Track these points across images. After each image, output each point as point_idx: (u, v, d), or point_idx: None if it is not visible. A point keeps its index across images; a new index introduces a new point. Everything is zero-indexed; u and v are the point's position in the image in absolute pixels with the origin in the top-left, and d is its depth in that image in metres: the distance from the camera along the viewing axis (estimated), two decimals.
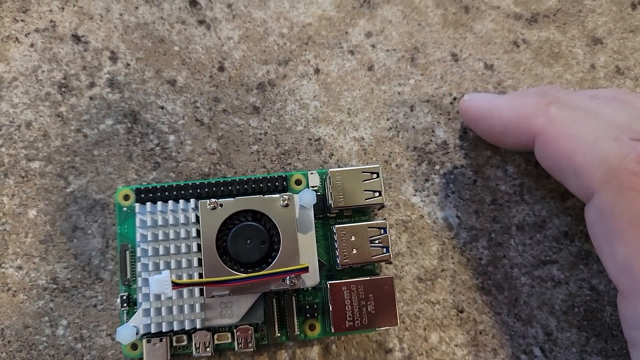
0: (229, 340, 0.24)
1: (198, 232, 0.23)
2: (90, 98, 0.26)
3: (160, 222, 0.23)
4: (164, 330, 0.23)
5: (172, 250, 0.23)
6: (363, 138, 0.27)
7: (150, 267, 0.23)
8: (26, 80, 0.26)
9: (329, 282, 0.23)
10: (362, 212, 0.25)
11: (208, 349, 0.23)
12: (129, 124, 0.26)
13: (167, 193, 0.24)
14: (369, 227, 0.24)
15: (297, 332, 0.24)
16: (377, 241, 0.23)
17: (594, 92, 0.24)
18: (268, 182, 0.24)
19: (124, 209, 0.24)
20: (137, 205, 0.23)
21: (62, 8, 0.27)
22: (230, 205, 0.23)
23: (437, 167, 0.27)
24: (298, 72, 0.27)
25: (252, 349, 0.23)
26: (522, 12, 0.28)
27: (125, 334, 0.22)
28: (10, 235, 0.25)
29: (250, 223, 0.23)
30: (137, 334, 0.22)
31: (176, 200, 0.24)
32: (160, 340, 0.23)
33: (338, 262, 0.23)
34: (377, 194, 0.23)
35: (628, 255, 0.18)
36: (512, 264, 0.26)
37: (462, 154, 0.27)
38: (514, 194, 0.26)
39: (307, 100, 0.27)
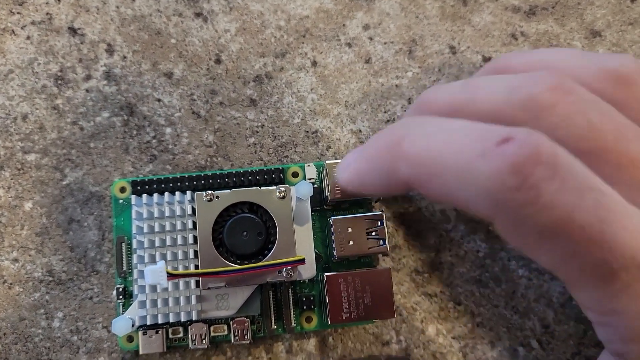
0: (225, 333, 0.24)
1: (194, 224, 0.23)
2: (87, 91, 0.26)
3: (156, 214, 0.23)
4: (159, 322, 0.22)
5: (168, 242, 0.23)
6: (360, 130, 0.27)
7: (146, 259, 0.23)
8: (22, 72, 0.26)
9: (326, 274, 0.23)
10: (359, 204, 0.25)
11: (204, 341, 0.23)
12: (126, 117, 0.26)
13: (163, 185, 0.24)
14: (365, 219, 0.23)
15: (293, 325, 0.24)
16: (373, 233, 0.23)
17: (470, 79, 0.21)
18: (265, 174, 0.24)
19: (120, 201, 0.24)
20: (133, 197, 0.23)
21: (59, 0, 0.27)
22: (227, 197, 0.23)
23: None
24: (295, 64, 0.27)
25: (248, 341, 0.23)
26: (521, 4, 0.28)
27: (121, 325, 0.22)
28: (6, 227, 0.25)
29: (246, 215, 0.23)
30: (132, 326, 0.22)
31: (172, 192, 0.23)
32: (156, 332, 0.23)
33: (334, 254, 0.23)
34: None
35: (551, 261, 0.17)
36: (510, 256, 0.26)
37: None
38: None
39: (304, 93, 0.27)
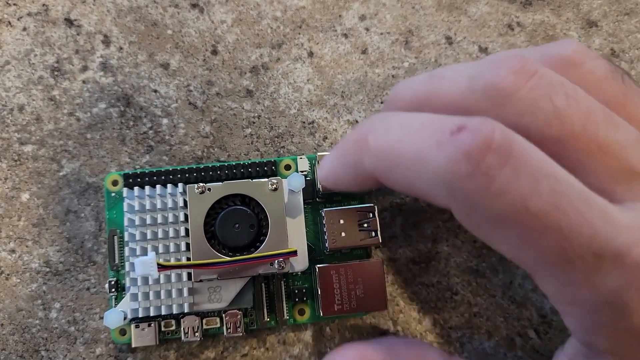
0: (218, 325, 0.24)
1: (186, 216, 0.23)
2: (83, 82, 0.26)
3: (148, 207, 0.23)
4: (151, 314, 0.22)
5: (160, 235, 0.23)
6: (357, 121, 0.27)
7: (138, 252, 0.23)
8: (19, 64, 0.26)
9: (317, 266, 0.23)
10: (351, 197, 0.25)
11: (197, 334, 0.23)
12: (122, 108, 0.26)
13: (155, 178, 0.24)
14: (357, 211, 0.24)
15: (286, 317, 0.24)
16: (365, 225, 0.23)
17: (435, 70, 0.21)
18: (257, 166, 0.24)
19: (113, 194, 0.24)
20: (125, 190, 0.23)
21: None
22: (219, 189, 0.23)
23: None
24: (292, 55, 0.27)
25: (241, 334, 0.23)
26: None
27: (113, 318, 0.22)
28: (3, 218, 0.25)
29: (238, 207, 0.23)
30: (124, 318, 0.22)
31: (164, 185, 0.23)
32: (149, 325, 0.23)
33: (326, 246, 0.23)
34: None
35: (510, 250, 0.17)
36: None
37: None
38: None
39: (301, 84, 0.27)
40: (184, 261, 0.23)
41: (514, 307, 0.25)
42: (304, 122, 0.26)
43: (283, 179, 0.23)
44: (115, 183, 0.24)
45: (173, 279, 0.23)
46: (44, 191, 0.25)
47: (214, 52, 0.27)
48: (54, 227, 0.25)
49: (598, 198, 0.16)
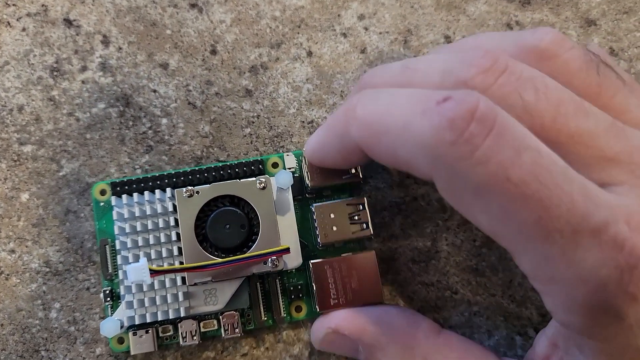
0: (215, 327, 0.24)
1: (176, 221, 0.23)
2: (82, 82, 0.26)
3: (137, 214, 0.23)
4: (148, 320, 0.22)
5: (151, 241, 0.23)
6: None
7: (131, 259, 0.22)
8: (18, 64, 0.26)
9: (311, 261, 0.23)
10: (341, 191, 0.25)
11: (195, 337, 0.23)
12: (121, 108, 0.26)
13: (142, 184, 0.24)
14: (347, 204, 0.24)
15: (283, 315, 0.24)
16: (356, 217, 0.23)
17: (409, 61, 0.21)
18: (244, 166, 0.24)
19: (101, 204, 0.24)
20: (113, 198, 0.23)
21: None
22: (207, 191, 0.23)
23: None
24: (290, 55, 0.27)
25: (239, 334, 0.23)
26: None
27: (109, 327, 0.22)
28: (3, 218, 0.25)
29: (228, 208, 0.23)
30: (121, 327, 0.22)
31: (152, 191, 0.23)
32: (147, 332, 0.23)
33: (319, 241, 0.23)
34: (353, 170, 0.23)
35: (490, 222, 0.17)
36: None
37: None
38: None
39: (300, 83, 0.27)
40: (176, 265, 0.23)
41: (514, 306, 0.25)
42: (303, 122, 0.26)
43: (271, 177, 0.23)
44: (103, 192, 0.24)
45: (168, 284, 0.23)
46: (43, 191, 0.25)
47: (213, 52, 0.27)
48: (53, 227, 0.25)
49: (580, 176, 0.16)
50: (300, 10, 0.27)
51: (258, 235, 0.23)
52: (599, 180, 0.17)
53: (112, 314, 0.23)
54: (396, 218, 0.26)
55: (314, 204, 0.24)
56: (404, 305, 0.25)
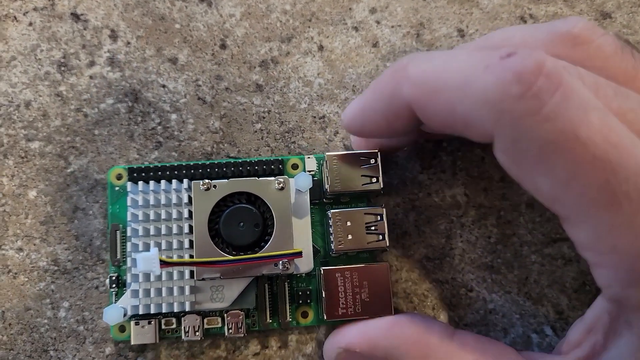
0: (219, 325, 0.23)
1: (190, 213, 0.23)
2: (90, 77, 0.26)
3: (152, 202, 0.23)
4: (152, 312, 0.22)
5: (163, 231, 0.22)
6: None
7: (141, 248, 0.22)
8: (25, 59, 0.26)
9: (323, 268, 0.23)
10: (359, 198, 0.25)
11: (197, 333, 0.23)
12: (130, 103, 0.26)
13: (160, 173, 0.23)
14: (365, 213, 0.23)
15: (289, 319, 0.23)
16: (373, 227, 0.23)
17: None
18: (264, 165, 0.24)
19: (116, 188, 0.24)
20: (129, 184, 0.23)
21: None
22: (224, 186, 0.23)
23: (444, 144, 0.26)
24: (301, 49, 0.27)
25: (242, 335, 0.23)
26: None
27: (112, 314, 0.21)
28: (11, 216, 0.24)
29: (243, 205, 0.23)
30: (124, 315, 0.22)
31: (169, 181, 0.23)
32: (149, 323, 0.23)
33: (332, 248, 0.23)
34: (374, 179, 0.23)
35: (552, 186, 0.16)
36: (522, 241, 0.25)
37: None
38: None
39: (311, 78, 0.26)
40: (187, 258, 0.22)
41: (529, 304, 0.25)
42: (314, 117, 0.26)
43: (290, 178, 0.23)
44: (119, 177, 0.24)
45: (175, 276, 0.22)
46: (51, 188, 0.25)
47: (223, 46, 0.26)
48: (61, 224, 0.24)
49: None
50: (311, 4, 0.27)
51: (271, 235, 0.22)
52: None
53: (116, 301, 0.23)
54: (410, 215, 0.25)
55: (331, 210, 0.23)
56: (418, 303, 0.25)
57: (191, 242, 0.22)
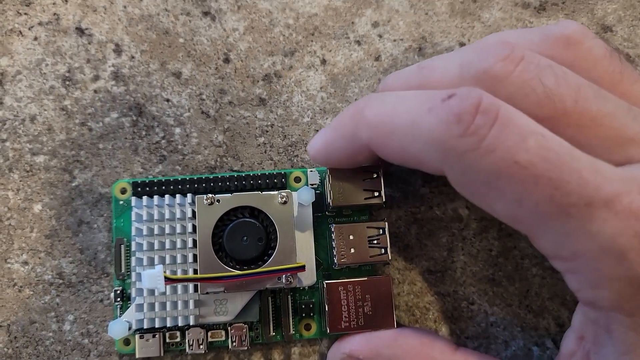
0: (223, 338, 0.23)
1: (194, 227, 0.23)
2: (95, 91, 0.26)
3: (156, 217, 0.23)
4: (156, 326, 0.22)
5: (167, 245, 0.23)
6: None
7: (145, 262, 0.22)
8: (30, 73, 0.26)
9: (325, 281, 0.23)
10: (361, 212, 0.25)
11: (201, 346, 0.23)
12: (134, 117, 0.26)
13: (164, 187, 0.24)
14: (367, 227, 0.23)
15: (292, 332, 0.24)
16: (375, 241, 0.23)
17: (424, 62, 0.22)
18: (267, 178, 0.24)
19: (121, 202, 0.24)
20: (133, 198, 0.23)
21: (66, 1, 0.27)
22: (228, 201, 0.23)
23: None
24: (304, 63, 0.27)
25: (246, 347, 0.23)
26: (531, 0, 0.28)
27: (117, 328, 0.22)
28: (16, 230, 0.25)
29: (247, 219, 0.23)
30: (129, 329, 0.22)
31: (173, 195, 0.23)
32: (153, 336, 0.23)
33: (335, 261, 0.23)
34: (376, 193, 0.23)
35: (506, 208, 0.18)
36: (523, 255, 0.25)
37: None
38: None
39: (314, 92, 0.27)
40: (191, 274, 0.22)
41: (531, 317, 0.25)
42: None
43: (293, 192, 0.23)
44: (123, 191, 0.24)
45: (179, 290, 0.22)
46: (56, 202, 0.25)
47: (226, 60, 0.27)
48: (66, 238, 0.25)
49: (587, 155, 0.17)
50: (314, 18, 0.27)
51: (275, 249, 0.23)
52: (620, 160, 0.18)
53: (120, 314, 0.23)
54: (411, 227, 0.26)
55: (334, 224, 0.23)
56: (419, 316, 0.25)
57: (195, 256, 0.23)
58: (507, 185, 0.17)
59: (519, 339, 0.25)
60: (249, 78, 0.27)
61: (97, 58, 0.26)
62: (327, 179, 0.23)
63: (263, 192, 0.23)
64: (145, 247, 0.23)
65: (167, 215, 0.23)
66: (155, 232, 0.23)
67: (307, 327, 0.24)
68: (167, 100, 0.26)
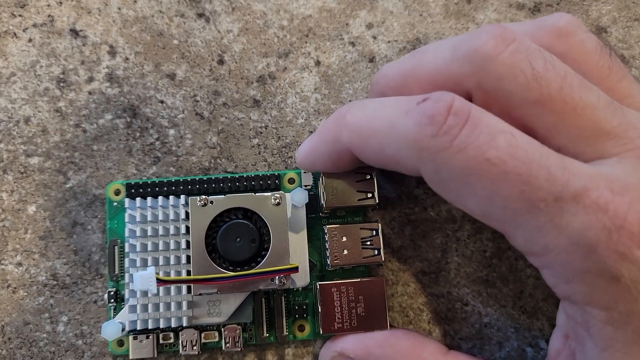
0: (217, 339, 0.24)
1: (187, 228, 0.23)
2: (89, 93, 0.26)
3: (149, 218, 0.23)
4: (150, 327, 0.22)
5: (160, 247, 0.23)
6: None
7: (138, 263, 0.22)
8: (24, 75, 0.26)
9: (319, 283, 0.23)
10: (355, 213, 0.25)
11: (195, 348, 0.23)
12: (129, 119, 0.26)
13: (157, 189, 0.24)
14: (360, 228, 0.23)
15: (285, 333, 0.24)
16: (368, 242, 0.23)
17: (417, 49, 0.23)
18: (260, 180, 0.24)
19: (115, 203, 0.24)
20: (126, 200, 0.23)
21: (60, 2, 0.27)
22: (221, 202, 0.23)
23: None
24: (298, 64, 0.27)
25: (239, 349, 0.23)
26: (525, 1, 0.28)
27: (110, 330, 0.22)
28: (10, 231, 0.25)
29: (240, 221, 0.23)
30: (122, 330, 0.22)
31: (166, 196, 0.23)
32: (147, 337, 0.23)
33: (329, 262, 0.23)
34: (369, 194, 0.23)
35: (479, 204, 0.18)
36: (517, 256, 0.25)
37: None
38: None
39: (308, 93, 0.27)
40: (183, 276, 0.22)
41: (524, 318, 0.25)
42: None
43: (286, 193, 0.23)
44: (117, 192, 0.24)
45: (172, 291, 0.23)
46: (50, 203, 0.25)
47: (221, 61, 0.27)
48: (60, 239, 0.25)
49: (556, 153, 0.18)
50: (308, 20, 0.27)
51: (268, 250, 0.23)
52: (593, 152, 0.18)
53: (114, 315, 0.23)
54: (405, 229, 0.26)
55: (327, 225, 0.23)
56: (413, 317, 0.25)
57: (188, 257, 0.23)
58: (478, 182, 0.17)
59: (512, 339, 0.25)
60: (243, 79, 0.27)
61: (92, 60, 0.26)
62: (320, 180, 0.23)
63: (256, 194, 0.23)
64: (138, 249, 0.23)
65: (160, 217, 0.23)
66: (149, 233, 0.23)
67: (301, 328, 0.24)
68: (162, 101, 0.26)
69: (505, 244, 0.26)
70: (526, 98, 0.18)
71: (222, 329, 0.23)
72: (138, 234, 0.23)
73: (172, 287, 0.22)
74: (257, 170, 0.26)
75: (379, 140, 0.20)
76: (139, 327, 0.22)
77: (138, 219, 0.23)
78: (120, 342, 0.23)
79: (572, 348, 0.20)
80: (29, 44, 0.26)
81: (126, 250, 0.23)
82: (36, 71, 0.26)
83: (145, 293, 0.22)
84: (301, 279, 0.23)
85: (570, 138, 0.18)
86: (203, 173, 0.26)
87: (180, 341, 0.23)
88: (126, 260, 0.23)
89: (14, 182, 0.25)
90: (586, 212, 0.17)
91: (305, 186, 0.25)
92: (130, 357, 0.23)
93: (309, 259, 0.24)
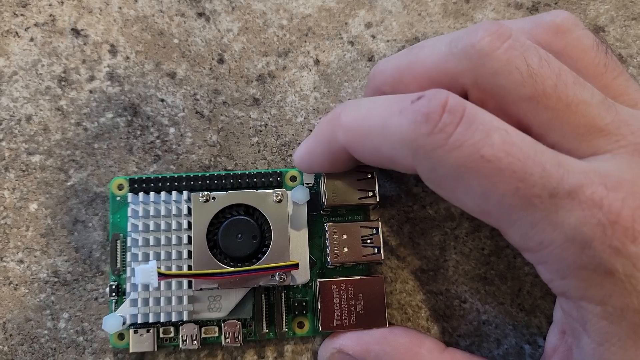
0: (216, 334, 0.24)
1: (189, 224, 0.23)
2: (90, 91, 0.26)
3: (152, 213, 0.23)
4: (150, 321, 0.23)
5: (162, 241, 0.23)
6: None
7: (140, 258, 0.23)
8: (26, 74, 0.26)
9: (319, 280, 0.23)
10: (356, 211, 0.25)
11: (195, 342, 0.23)
12: (129, 117, 0.26)
13: (160, 184, 0.24)
14: (361, 227, 0.24)
15: (285, 329, 0.24)
16: (369, 241, 0.23)
17: (413, 45, 0.23)
18: (262, 177, 0.24)
19: (118, 198, 0.24)
20: (129, 194, 0.23)
21: (62, 2, 0.27)
22: (223, 198, 0.23)
23: None
24: (298, 63, 0.27)
25: (239, 344, 0.23)
26: (523, 0, 0.28)
27: (112, 323, 0.22)
28: (12, 229, 0.25)
29: (242, 217, 0.23)
30: (123, 323, 0.22)
31: (169, 192, 0.24)
32: (147, 331, 0.23)
33: (329, 260, 0.23)
34: (370, 193, 0.23)
35: (475, 201, 0.18)
36: (515, 253, 0.26)
37: None
38: None
39: (307, 92, 0.27)
40: (184, 270, 0.23)
41: (522, 315, 0.25)
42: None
43: (288, 191, 0.23)
44: (120, 187, 0.24)
45: (173, 286, 0.23)
46: (51, 201, 0.25)
47: (221, 60, 0.27)
48: (62, 237, 0.25)
49: (551, 150, 0.18)
50: (308, 19, 0.27)
51: (269, 247, 0.23)
52: (587, 149, 0.18)
53: (115, 309, 0.23)
54: (404, 227, 0.26)
55: (328, 223, 0.24)
56: (412, 314, 0.25)
57: (190, 252, 0.23)
58: (474, 179, 0.17)
59: (510, 337, 0.25)
60: (243, 78, 0.27)
61: (93, 59, 0.26)
62: (322, 178, 0.24)
63: (258, 191, 0.23)
64: (140, 243, 0.23)
65: (162, 212, 0.23)
66: (151, 228, 0.23)
67: (300, 325, 0.24)
68: (162, 100, 0.26)
69: (503, 242, 0.26)
70: (521, 94, 0.19)
71: (222, 324, 0.23)
72: (140, 228, 0.23)
73: (173, 282, 0.23)
74: (256, 168, 0.26)
75: (374, 139, 0.20)
76: (139, 321, 0.23)
77: (141, 213, 0.23)
78: (121, 336, 0.24)
79: (569, 343, 0.20)
80: (30, 43, 0.26)
81: (128, 244, 0.23)
82: (38, 70, 0.26)
83: (146, 287, 0.23)
84: (301, 275, 0.23)
85: (564, 135, 0.19)
86: (203, 171, 0.26)
87: (180, 335, 0.23)
88: (128, 254, 0.23)
89: (16, 180, 0.25)
90: (581, 208, 0.17)
91: (307, 184, 0.25)
92: (131, 351, 0.23)
93: (310, 256, 0.24)
